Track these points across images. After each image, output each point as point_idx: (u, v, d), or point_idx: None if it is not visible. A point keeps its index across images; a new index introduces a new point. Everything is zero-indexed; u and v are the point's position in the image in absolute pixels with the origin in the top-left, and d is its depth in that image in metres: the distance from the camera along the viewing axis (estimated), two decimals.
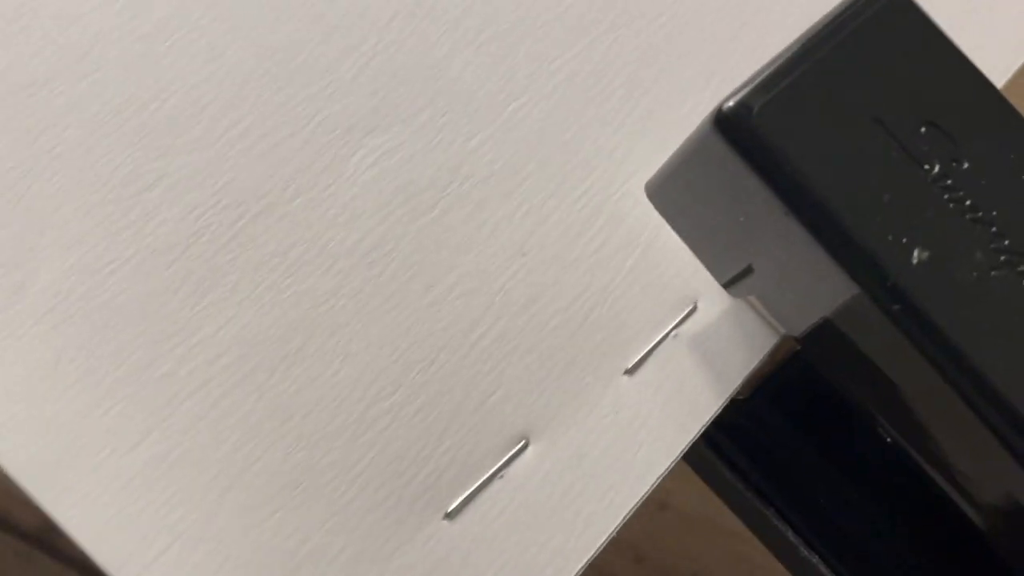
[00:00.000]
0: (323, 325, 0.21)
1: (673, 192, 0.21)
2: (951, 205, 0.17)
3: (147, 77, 0.21)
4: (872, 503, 0.23)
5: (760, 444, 0.23)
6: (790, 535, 0.22)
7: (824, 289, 0.18)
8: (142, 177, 0.21)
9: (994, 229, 0.17)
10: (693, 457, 0.23)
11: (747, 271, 0.21)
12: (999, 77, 0.25)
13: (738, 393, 0.22)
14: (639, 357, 0.22)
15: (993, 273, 0.17)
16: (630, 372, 0.22)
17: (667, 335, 0.22)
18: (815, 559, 0.22)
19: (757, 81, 0.18)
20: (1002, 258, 0.17)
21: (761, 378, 0.23)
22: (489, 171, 0.22)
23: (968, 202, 0.18)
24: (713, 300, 0.23)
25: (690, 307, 0.23)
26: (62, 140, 0.20)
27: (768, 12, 0.24)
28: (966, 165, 0.18)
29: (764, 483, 0.23)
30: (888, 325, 0.17)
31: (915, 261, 0.17)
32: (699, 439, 0.22)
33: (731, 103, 0.17)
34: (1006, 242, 0.17)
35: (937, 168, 0.18)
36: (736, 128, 0.17)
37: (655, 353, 0.22)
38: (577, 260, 0.22)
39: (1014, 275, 0.17)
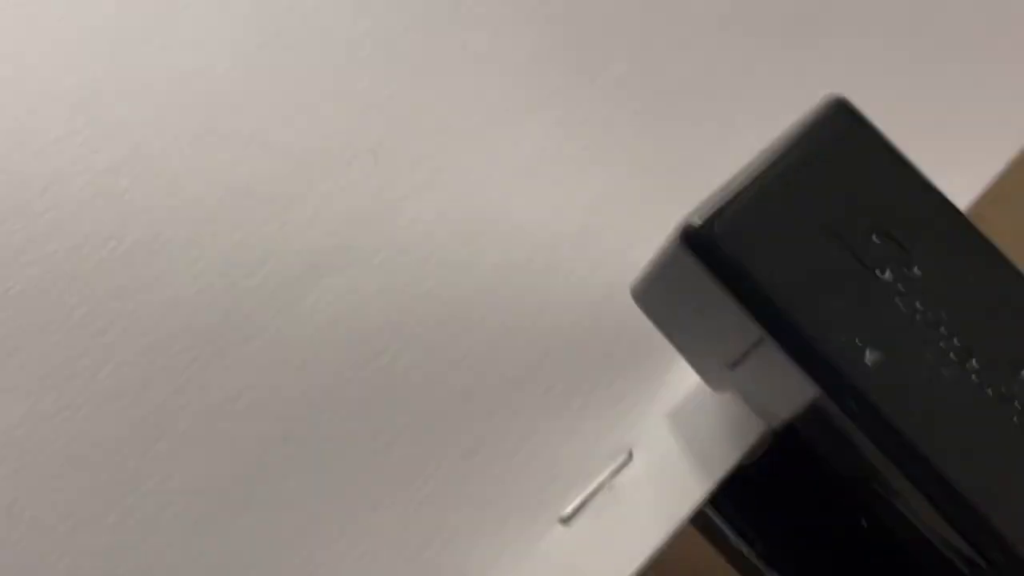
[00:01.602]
0: (273, 473, 0.21)
1: (652, 295, 0.22)
2: (903, 309, 0.19)
3: (107, 213, 0.21)
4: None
5: (765, 511, 0.25)
6: None
7: (790, 388, 0.19)
8: (98, 319, 0.21)
9: (943, 329, 0.19)
10: (699, 522, 0.24)
11: (722, 369, 0.22)
12: (964, 199, 0.26)
13: (744, 458, 0.24)
14: (574, 507, 0.23)
15: (943, 371, 0.19)
16: (565, 521, 0.23)
17: (601, 485, 0.23)
18: None
19: (719, 198, 0.19)
20: (951, 355, 0.19)
21: (767, 445, 0.24)
22: (438, 318, 0.23)
23: (918, 304, 0.19)
24: (647, 449, 0.24)
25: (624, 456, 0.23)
26: (18, 280, 0.20)
27: None
28: (916, 270, 0.19)
29: (770, 551, 0.24)
30: (847, 421, 0.18)
31: (868, 362, 0.18)
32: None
33: (695, 220, 0.19)
34: (955, 341, 0.19)
35: (888, 274, 0.19)
36: (699, 243, 0.19)
37: (589, 504, 0.23)
38: (522, 405, 0.23)
39: (962, 372, 0.19)
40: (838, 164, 0.19)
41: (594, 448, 0.23)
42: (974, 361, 0.19)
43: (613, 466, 0.23)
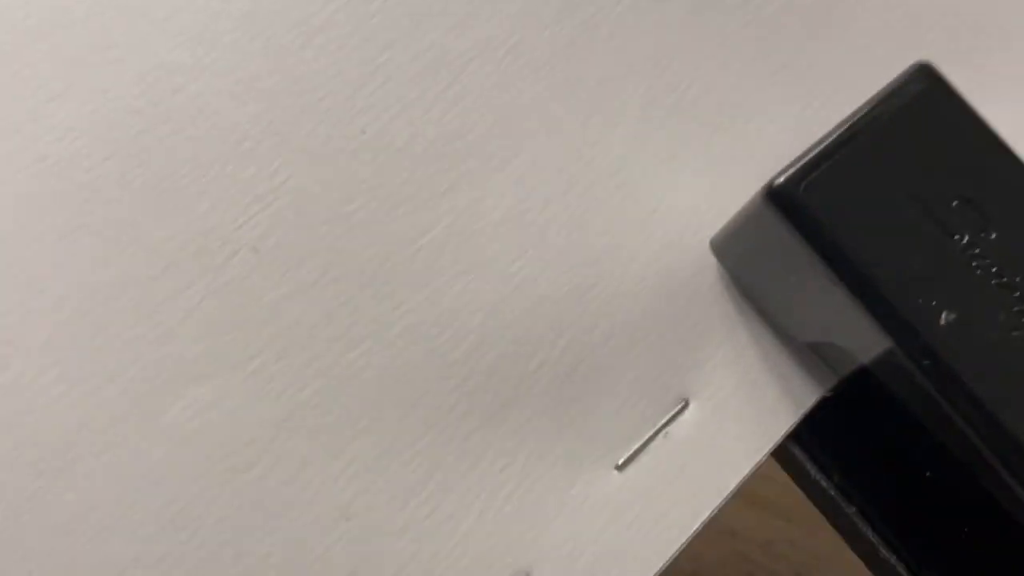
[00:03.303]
0: None
1: (732, 251, 0.23)
2: (978, 272, 0.20)
3: None
4: (951, 506, 0.24)
5: (845, 442, 0.24)
6: (870, 534, 0.24)
7: (867, 343, 0.20)
8: None
9: (1017, 294, 0.20)
10: (782, 456, 0.24)
11: (799, 324, 0.23)
12: None
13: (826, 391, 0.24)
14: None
15: (1014, 333, 0.19)
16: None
17: None
18: (893, 559, 0.24)
19: (806, 159, 0.20)
20: None
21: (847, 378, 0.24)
22: (318, 425, 0.21)
23: (994, 269, 0.20)
24: (550, 570, 0.22)
25: None
26: None
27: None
28: (994, 235, 0.20)
29: (846, 482, 0.24)
30: (920, 378, 0.19)
31: (943, 322, 0.19)
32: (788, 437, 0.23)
33: (782, 179, 0.20)
34: None
35: (966, 238, 0.20)
36: (785, 201, 0.20)
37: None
38: (405, 526, 0.21)
39: None
40: (922, 129, 0.20)
41: (487, 571, 0.21)
42: None
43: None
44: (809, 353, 0.23)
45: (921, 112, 0.21)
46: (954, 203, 0.20)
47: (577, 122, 0.24)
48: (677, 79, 0.24)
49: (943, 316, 0.19)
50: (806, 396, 0.23)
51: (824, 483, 0.24)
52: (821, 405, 0.24)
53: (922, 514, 0.24)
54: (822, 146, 0.20)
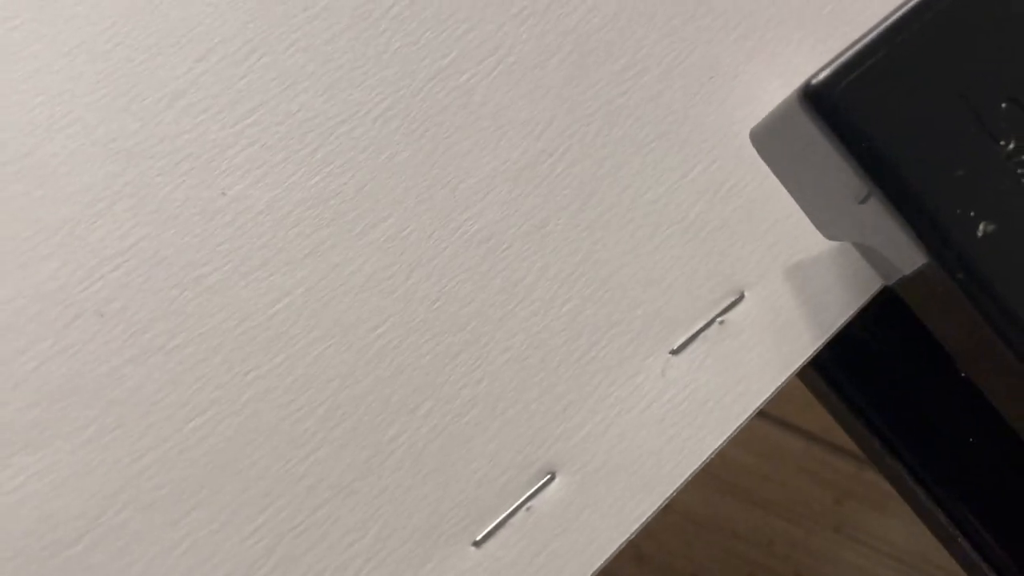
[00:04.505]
0: None
1: (771, 145, 0.22)
2: (1023, 181, 0.18)
3: None
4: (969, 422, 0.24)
5: (870, 370, 0.24)
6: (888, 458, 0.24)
7: (901, 250, 0.19)
8: None
9: None
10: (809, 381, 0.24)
11: (834, 221, 0.22)
12: None
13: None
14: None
15: None
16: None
17: None
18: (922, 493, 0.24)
19: (846, 56, 0.19)
20: None
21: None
22: (152, 498, 0.20)
23: None
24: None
25: None
26: None
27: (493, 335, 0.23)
28: None
29: (872, 411, 0.24)
30: (955, 291, 0.18)
31: (981, 233, 0.18)
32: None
33: (820, 78, 0.19)
34: None
35: (1012, 144, 0.18)
36: (820, 104, 0.19)
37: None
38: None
39: None
40: (972, 22, 0.19)
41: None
42: None
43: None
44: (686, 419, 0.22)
45: (975, 4, 0.19)
46: (1003, 104, 0.19)
47: (448, 188, 0.23)
48: (552, 145, 0.24)
49: (981, 227, 0.18)
50: (678, 472, 0.22)
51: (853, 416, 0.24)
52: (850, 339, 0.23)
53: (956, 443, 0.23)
54: (865, 41, 0.19)
